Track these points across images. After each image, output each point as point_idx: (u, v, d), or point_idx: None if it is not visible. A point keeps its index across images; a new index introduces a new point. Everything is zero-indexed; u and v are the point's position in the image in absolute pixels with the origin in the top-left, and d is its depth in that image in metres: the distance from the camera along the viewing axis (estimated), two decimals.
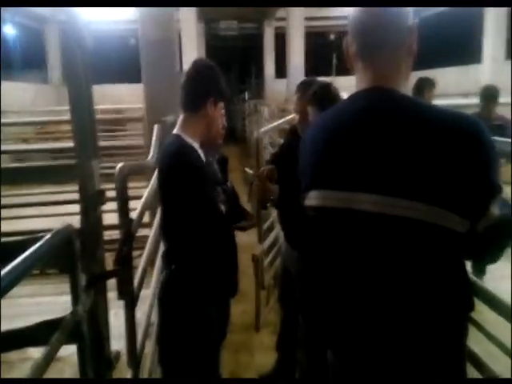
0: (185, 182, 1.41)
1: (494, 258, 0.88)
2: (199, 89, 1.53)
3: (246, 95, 8.94)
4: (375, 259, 0.86)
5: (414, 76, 3.54)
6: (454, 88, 7.22)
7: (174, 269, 1.49)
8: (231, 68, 11.27)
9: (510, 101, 3.36)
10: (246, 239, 2.45)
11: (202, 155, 1.52)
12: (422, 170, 0.80)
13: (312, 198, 0.95)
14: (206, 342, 1.48)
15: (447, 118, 0.82)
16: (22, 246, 0.86)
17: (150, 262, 1.92)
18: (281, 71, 12.62)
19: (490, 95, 3.16)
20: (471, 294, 0.91)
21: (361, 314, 0.90)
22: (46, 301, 2.76)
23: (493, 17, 8.38)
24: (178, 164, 1.44)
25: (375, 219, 0.83)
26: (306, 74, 10.42)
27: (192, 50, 9.36)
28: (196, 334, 1.46)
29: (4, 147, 4.47)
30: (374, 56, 0.90)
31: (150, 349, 1.70)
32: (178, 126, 1.55)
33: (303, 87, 2.00)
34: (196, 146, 1.51)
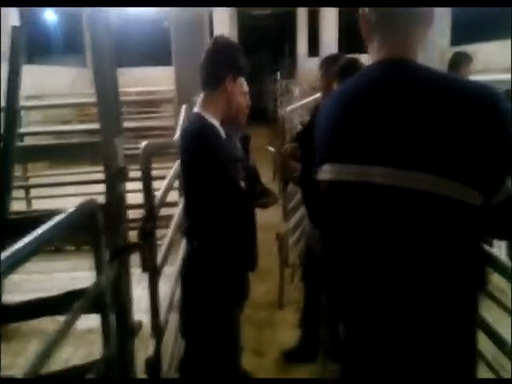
0: (204, 160, 1.43)
1: (510, 232, 0.86)
2: (217, 66, 1.53)
3: (279, 75, 8.81)
4: (390, 233, 0.85)
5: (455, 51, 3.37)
6: (496, 63, 6.80)
7: (196, 245, 1.53)
8: (264, 48, 11.12)
9: None
10: (271, 218, 2.47)
11: (222, 133, 1.52)
12: (437, 141, 0.78)
13: (326, 172, 0.95)
14: (225, 314, 1.52)
15: (463, 88, 0.80)
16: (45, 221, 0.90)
17: (177, 240, 1.98)
18: (314, 50, 12.33)
19: None
20: (485, 269, 0.89)
21: (373, 286, 0.89)
22: (81, 275, 2.90)
23: None
24: (197, 143, 1.46)
25: (390, 192, 0.82)
26: (340, 52, 10.10)
27: (224, 31, 9.32)
28: (216, 307, 1.51)
29: (41, 129, 4.67)
30: (394, 26, 0.87)
31: (174, 322, 1.76)
32: (198, 105, 1.56)
33: (327, 63, 1.97)
34: (216, 123, 1.51)
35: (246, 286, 1.73)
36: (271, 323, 2.39)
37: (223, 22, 9.60)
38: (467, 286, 0.85)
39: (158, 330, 1.47)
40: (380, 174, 0.83)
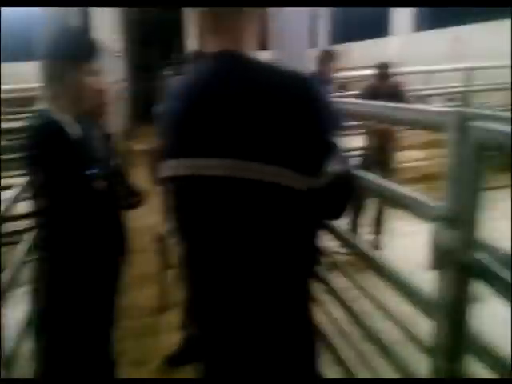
0: (48, 160, 1.32)
1: (334, 214, 0.93)
2: (55, 54, 1.39)
3: (168, 71, 8.60)
4: (229, 223, 0.86)
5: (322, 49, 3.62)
6: (366, 60, 7.53)
7: (49, 256, 1.39)
8: (153, 43, 10.77)
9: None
10: (154, 219, 2.37)
11: (73, 130, 1.39)
12: (261, 130, 0.81)
13: (168, 168, 0.93)
14: (89, 328, 1.42)
15: (281, 78, 0.84)
16: None
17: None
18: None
19: (383, 67, 3.47)
20: (316, 252, 0.96)
21: (215, 279, 0.91)
22: None
23: None
24: (39, 142, 1.34)
25: (225, 183, 0.84)
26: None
27: (106, 23, 8.76)
28: (77, 322, 1.39)
29: None
30: (219, 22, 0.89)
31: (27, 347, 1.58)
32: (44, 100, 1.41)
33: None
34: (65, 119, 1.38)
35: (116, 295, 1.61)
36: (154, 329, 2.31)
37: (105, 14, 9.00)
38: (301, 268, 0.90)
39: (6, 355, 1.31)
40: (209, 165, 0.84)
